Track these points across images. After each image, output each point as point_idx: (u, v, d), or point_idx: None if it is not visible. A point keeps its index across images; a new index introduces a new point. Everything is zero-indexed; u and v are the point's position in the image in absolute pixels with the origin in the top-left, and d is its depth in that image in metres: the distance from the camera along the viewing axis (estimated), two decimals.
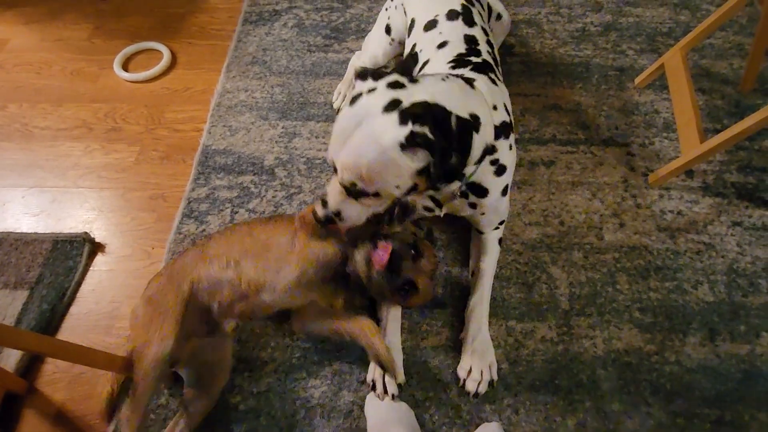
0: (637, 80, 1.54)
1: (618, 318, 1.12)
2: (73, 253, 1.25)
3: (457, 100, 0.84)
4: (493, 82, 1.04)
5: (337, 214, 0.92)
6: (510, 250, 1.22)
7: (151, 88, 1.65)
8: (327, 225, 0.94)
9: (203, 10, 1.89)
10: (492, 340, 1.09)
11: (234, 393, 1.04)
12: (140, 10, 1.90)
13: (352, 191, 0.87)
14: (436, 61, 1.11)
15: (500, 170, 0.99)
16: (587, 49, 1.66)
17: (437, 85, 0.85)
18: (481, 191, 1.01)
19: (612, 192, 1.32)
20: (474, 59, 1.08)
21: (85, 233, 1.29)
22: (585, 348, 1.08)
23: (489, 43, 1.17)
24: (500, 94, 1.03)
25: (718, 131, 1.38)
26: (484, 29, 1.18)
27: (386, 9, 1.40)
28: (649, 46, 1.65)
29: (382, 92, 0.81)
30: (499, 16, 1.43)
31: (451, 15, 1.16)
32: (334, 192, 0.91)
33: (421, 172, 0.82)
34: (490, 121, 0.91)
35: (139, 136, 1.52)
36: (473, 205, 1.05)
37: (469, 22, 1.16)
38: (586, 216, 1.28)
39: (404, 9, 1.30)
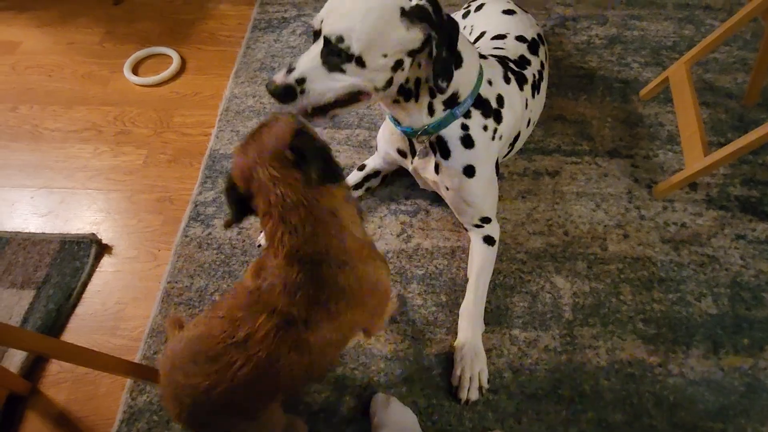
0: (642, 93, 1.55)
1: (621, 329, 1.12)
2: (81, 253, 1.26)
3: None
4: (507, 79, 1.09)
5: (302, 81, 0.84)
6: (514, 259, 1.23)
7: (161, 92, 1.67)
8: (280, 99, 0.85)
9: (213, 17, 1.92)
10: (495, 348, 1.10)
11: None
12: (151, 15, 1.93)
13: (334, 52, 0.82)
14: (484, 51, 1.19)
15: (467, 141, 1.02)
16: (592, 61, 1.67)
17: None
18: (445, 150, 1.03)
19: (616, 203, 1.32)
20: (513, 67, 1.14)
21: (93, 234, 1.30)
22: (588, 358, 1.08)
23: (540, 74, 1.23)
24: (505, 89, 1.07)
25: (721, 145, 1.39)
26: (542, 64, 1.25)
27: None
28: (654, 59, 1.67)
29: None
30: None
31: (520, 38, 1.24)
32: (309, 56, 0.85)
33: (411, 53, 0.86)
34: (472, 74, 0.97)
35: (148, 139, 1.54)
36: (438, 169, 1.07)
37: (533, 51, 1.23)
38: (590, 226, 1.28)
39: (471, 29, 1.36)
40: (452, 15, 1.47)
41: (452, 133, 1.01)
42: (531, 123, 1.25)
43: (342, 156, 1.45)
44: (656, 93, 1.54)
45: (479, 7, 1.38)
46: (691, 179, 1.24)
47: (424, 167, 1.12)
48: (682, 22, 1.78)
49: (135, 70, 1.73)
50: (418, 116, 0.97)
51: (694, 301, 1.15)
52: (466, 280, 1.19)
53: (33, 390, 1.08)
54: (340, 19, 0.81)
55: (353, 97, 0.90)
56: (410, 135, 1.04)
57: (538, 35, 1.29)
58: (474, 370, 1.03)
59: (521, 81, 1.13)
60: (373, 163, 1.33)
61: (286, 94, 0.85)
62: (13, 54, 1.81)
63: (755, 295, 1.16)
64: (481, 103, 1.01)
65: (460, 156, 1.03)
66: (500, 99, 1.05)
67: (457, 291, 1.18)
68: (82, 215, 1.37)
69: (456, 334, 1.11)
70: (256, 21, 1.87)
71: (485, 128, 1.03)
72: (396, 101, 0.96)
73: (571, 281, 1.19)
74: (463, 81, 0.95)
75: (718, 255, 1.22)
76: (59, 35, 1.87)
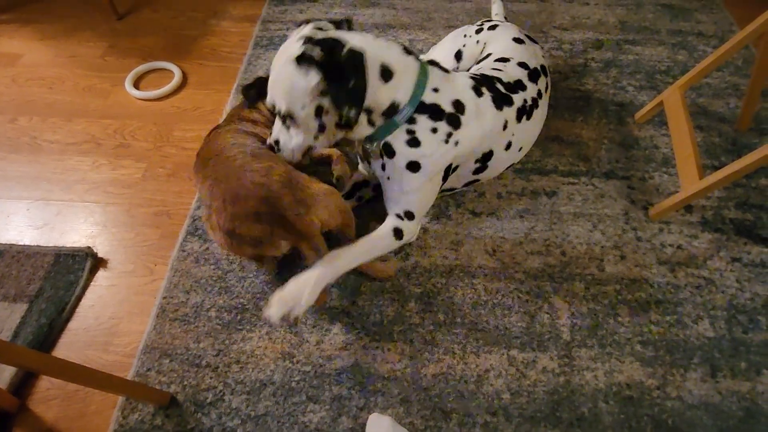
0: (637, 116, 1.58)
1: (619, 351, 1.12)
2: (75, 267, 1.25)
3: (371, 46, 0.97)
4: (479, 92, 1.11)
5: (276, 142, 1.10)
6: (512, 279, 1.23)
7: (161, 106, 1.68)
8: (273, 152, 1.12)
9: (215, 34, 1.95)
10: (493, 369, 1.09)
11: (231, 416, 1.03)
12: (154, 31, 1.95)
13: (279, 116, 1.04)
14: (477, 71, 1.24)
15: (413, 142, 1.06)
16: (588, 84, 1.71)
17: (363, 35, 0.99)
18: (390, 151, 1.09)
19: (613, 224, 1.33)
20: (500, 87, 1.16)
21: (88, 248, 1.29)
22: (586, 380, 1.08)
23: (534, 101, 1.24)
24: (469, 98, 1.09)
25: (716, 168, 1.42)
26: (540, 93, 1.27)
27: (465, 36, 1.47)
28: (649, 83, 1.70)
29: (307, 30, 0.99)
30: None
31: (522, 65, 1.26)
32: (276, 123, 1.09)
33: (323, 93, 0.96)
34: (407, 83, 1.01)
35: (147, 153, 1.54)
36: (384, 167, 1.12)
37: (533, 79, 1.25)
38: (587, 247, 1.29)
39: (484, 46, 1.39)
40: (463, 29, 1.50)
41: (398, 139, 1.07)
42: (514, 147, 1.23)
43: None
44: (651, 116, 1.57)
45: (492, 27, 1.41)
46: (687, 202, 1.25)
47: (375, 165, 1.17)
48: (676, 47, 1.83)
49: (136, 84, 1.74)
50: (360, 130, 1.06)
51: (691, 324, 1.15)
52: (465, 300, 1.19)
53: (21, 407, 1.06)
54: (270, 89, 1.01)
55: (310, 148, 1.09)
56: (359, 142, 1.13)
57: (542, 66, 1.31)
58: (292, 297, 0.97)
59: (502, 101, 1.14)
60: (359, 172, 1.36)
61: (272, 150, 1.13)
62: (14, 66, 1.82)
63: (751, 318, 1.16)
64: (426, 107, 1.04)
65: (405, 153, 1.08)
66: (458, 104, 1.07)
67: (455, 310, 1.18)
68: (78, 228, 1.36)
69: (453, 353, 1.11)
70: (258, 38, 1.90)
71: (434, 130, 1.06)
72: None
73: (569, 302, 1.19)
74: (396, 92, 1.01)
75: (714, 277, 1.23)
76: (61, 48, 1.88)
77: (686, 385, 1.07)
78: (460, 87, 1.10)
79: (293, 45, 0.97)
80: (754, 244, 1.29)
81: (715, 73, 1.72)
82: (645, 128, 1.57)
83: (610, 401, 1.05)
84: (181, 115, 1.65)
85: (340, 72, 0.93)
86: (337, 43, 0.94)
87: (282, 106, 1.00)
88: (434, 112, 1.05)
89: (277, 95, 1.00)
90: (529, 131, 1.26)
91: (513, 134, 1.20)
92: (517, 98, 1.18)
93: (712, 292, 1.21)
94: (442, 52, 1.52)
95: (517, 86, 1.20)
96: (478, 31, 1.44)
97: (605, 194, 1.40)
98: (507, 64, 1.26)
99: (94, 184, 1.46)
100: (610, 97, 1.66)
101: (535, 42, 1.40)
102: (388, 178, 1.13)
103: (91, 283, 1.25)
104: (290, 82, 0.96)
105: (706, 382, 1.07)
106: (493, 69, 1.24)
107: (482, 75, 1.18)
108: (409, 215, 1.15)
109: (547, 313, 1.17)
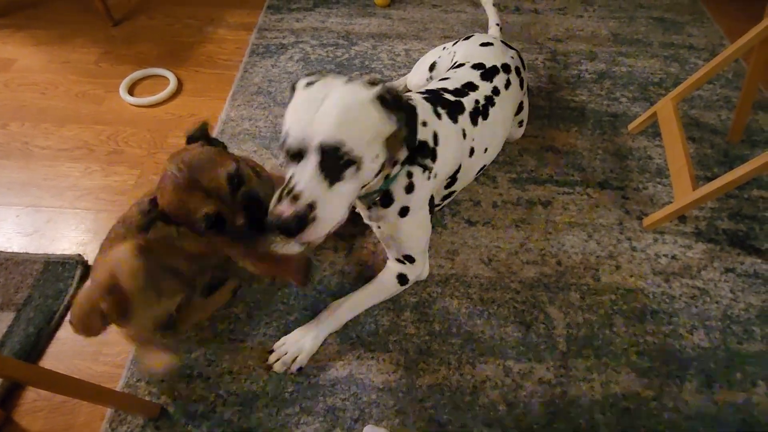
0: (631, 127, 1.60)
1: (615, 361, 1.11)
2: (65, 275, 1.23)
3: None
4: (438, 115, 1.05)
5: (312, 206, 0.74)
6: (508, 288, 1.23)
7: (156, 112, 1.67)
8: (292, 233, 0.75)
9: (212, 41, 1.94)
10: (489, 380, 1.08)
11: (223, 428, 1.01)
12: (150, 37, 1.95)
13: (332, 161, 0.76)
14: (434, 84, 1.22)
15: (410, 187, 1.01)
16: (582, 94, 1.72)
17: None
18: (389, 200, 1.01)
19: (608, 234, 1.34)
20: (448, 97, 1.13)
21: (79, 255, 1.27)
22: (583, 391, 1.07)
23: (489, 99, 1.18)
24: (437, 125, 1.03)
25: (708, 179, 1.43)
26: (496, 90, 1.21)
27: (443, 48, 1.47)
28: (642, 94, 1.72)
29: (334, 76, 0.84)
30: (520, 123, 1.49)
31: (476, 66, 1.25)
32: (307, 177, 0.74)
33: (388, 139, 0.84)
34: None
35: (141, 160, 1.52)
36: (373, 218, 1.08)
37: (486, 77, 1.22)
38: (582, 257, 1.29)
39: (453, 54, 1.38)
40: (446, 43, 1.51)
41: (399, 184, 0.99)
42: (478, 151, 1.18)
43: None
44: (644, 127, 1.59)
45: (468, 37, 1.41)
46: (681, 212, 1.26)
47: (360, 209, 1.11)
48: (668, 60, 1.85)
49: (131, 91, 1.73)
50: (373, 184, 0.94)
51: (686, 334, 1.15)
52: (460, 309, 1.19)
53: (7, 419, 1.03)
54: (332, 129, 0.76)
55: None
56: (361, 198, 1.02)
57: (504, 65, 1.26)
58: (294, 348, 1.08)
59: (454, 112, 1.09)
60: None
61: (301, 224, 0.73)
62: (7, 71, 1.80)
63: (746, 328, 1.16)
64: (421, 145, 0.97)
65: (401, 200, 1.02)
66: (435, 137, 1.02)
67: (450, 320, 1.17)
68: (68, 235, 1.34)
69: (448, 363, 1.10)
70: (254, 46, 1.90)
71: (425, 169, 1.01)
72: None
73: (564, 312, 1.19)
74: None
75: (708, 288, 1.23)
76: (55, 54, 1.87)
77: (682, 396, 1.06)
78: (430, 115, 1.03)
79: (352, 87, 0.81)
80: (747, 255, 1.30)
81: (706, 86, 1.74)
82: (638, 139, 1.58)
83: (607, 413, 1.04)
84: (176, 122, 1.64)
85: (412, 119, 0.85)
86: (397, 91, 0.84)
87: (356, 151, 0.77)
88: (425, 149, 0.98)
89: (349, 137, 0.76)
90: (489, 130, 1.20)
91: (473, 139, 1.15)
92: (468, 101, 1.13)
93: (706, 302, 1.21)
94: (421, 66, 1.53)
95: (467, 89, 1.17)
96: (454, 44, 1.44)
97: (600, 204, 1.40)
98: (459, 68, 1.25)
99: (86, 190, 1.44)
100: (604, 108, 1.68)
101: (512, 47, 1.38)
102: (379, 227, 1.10)
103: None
104: (369, 122, 0.79)
105: (702, 393, 1.07)
106: (441, 79, 1.22)
107: (428, 91, 1.13)
108: (409, 258, 1.14)
109: (543, 323, 1.17)
